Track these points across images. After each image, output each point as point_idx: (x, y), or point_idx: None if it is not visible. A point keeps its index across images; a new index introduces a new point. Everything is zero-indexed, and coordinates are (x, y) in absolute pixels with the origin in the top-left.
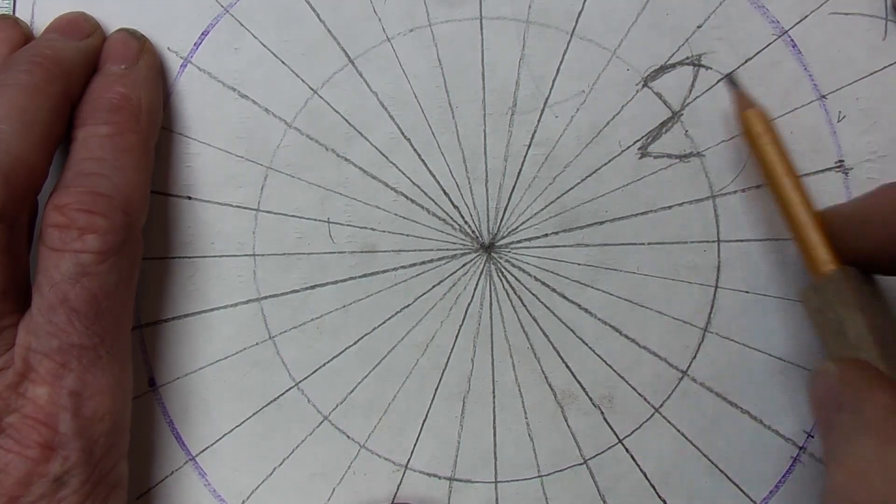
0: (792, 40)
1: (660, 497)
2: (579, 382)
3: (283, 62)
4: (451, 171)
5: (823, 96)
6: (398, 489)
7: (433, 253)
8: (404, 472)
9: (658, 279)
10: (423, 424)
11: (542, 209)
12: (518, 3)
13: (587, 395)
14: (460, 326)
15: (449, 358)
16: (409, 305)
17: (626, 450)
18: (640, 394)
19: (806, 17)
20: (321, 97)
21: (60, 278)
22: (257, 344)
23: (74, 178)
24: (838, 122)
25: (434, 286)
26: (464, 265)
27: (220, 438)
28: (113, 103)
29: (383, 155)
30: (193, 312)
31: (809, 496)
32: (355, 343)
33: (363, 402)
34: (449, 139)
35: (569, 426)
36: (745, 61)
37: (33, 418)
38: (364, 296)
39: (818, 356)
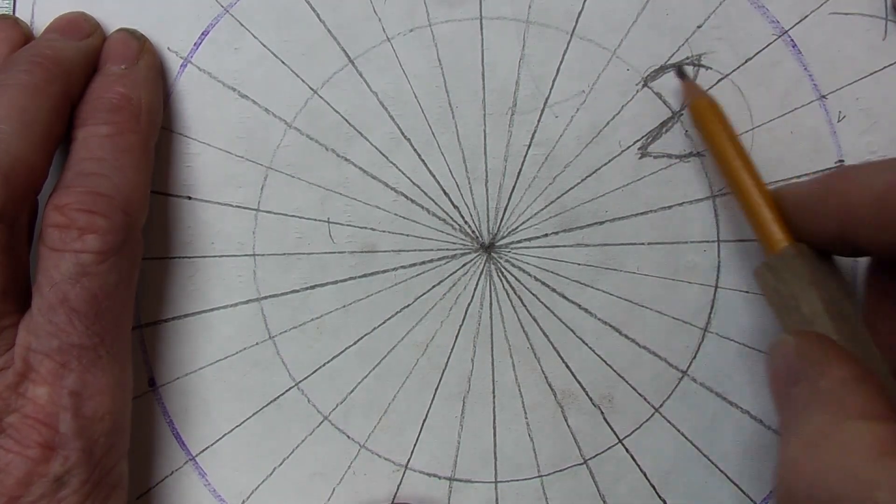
0: (792, 40)
1: (660, 497)
2: (579, 382)
3: (283, 62)
4: (451, 171)
5: (823, 96)
6: (398, 489)
7: (433, 253)
8: (404, 472)
9: (658, 279)
10: (423, 424)
11: (542, 209)
12: (518, 3)
13: (587, 395)
14: (460, 326)
15: (449, 358)
16: (409, 305)
17: (626, 450)
18: (640, 394)
19: (806, 17)
20: (321, 97)
21: (60, 278)
22: (257, 344)
23: (74, 178)
24: (838, 122)
25: (434, 286)
26: (464, 265)
27: (220, 438)
28: (113, 103)
29: (383, 155)
30: (193, 312)
31: None
32: (355, 343)
33: (363, 402)
34: (449, 139)
35: (569, 426)
36: (745, 61)
37: (33, 418)
38: (364, 296)
39: None
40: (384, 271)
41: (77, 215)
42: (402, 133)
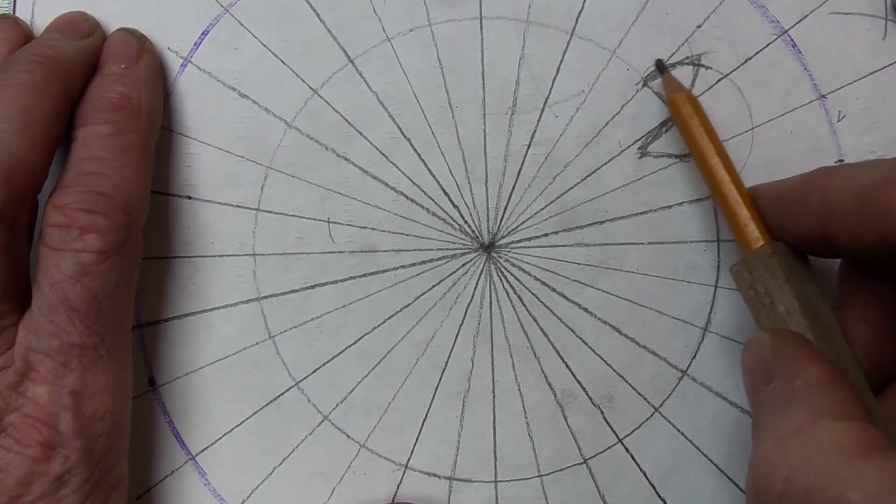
0: (792, 40)
1: (659, 497)
2: (579, 382)
3: (283, 62)
4: (451, 171)
5: (823, 96)
6: (398, 489)
7: (433, 253)
8: (404, 472)
9: (658, 279)
10: (422, 424)
11: (542, 209)
12: (518, 3)
13: (587, 394)
14: (460, 326)
15: (449, 357)
16: (409, 305)
17: (626, 449)
18: (639, 393)
19: (806, 16)
20: (321, 97)
21: (61, 278)
22: (257, 343)
23: (75, 178)
24: (838, 121)
25: (434, 286)
26: (464, 265)
27: (220, 438)
28: (113, 103)
29: (383, 155)
30: (193, 312)
31: None
32: (355, 343)
33: (363, 402)
34: (449, 139)
35: (569, 426)
36: (745, 61)
37: (34, 417)
38: (364, 295)
39: None
40: (384, 271)
41: (77, 215)
42: (402, 133)
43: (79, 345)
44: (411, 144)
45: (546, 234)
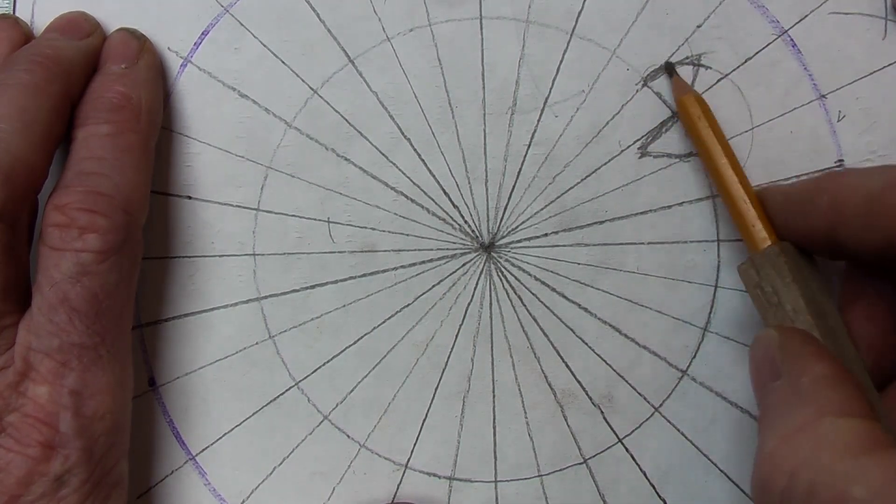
0: (792, 40)
1: (659, 496)
2: (579, 382)
3: (283, 62)
4: (451, 171)
5: (823, 96)
6: (398, 489)
7: (433, 252)
8: (404, 472)
9: (658, 279)
10: (422, 424)
11: (542, 209)
12: (518, 3)
13: (587, 394)
14: (460, 326)
15: (449, 357)
16: (409, 305)
17: (626, 449)
18: (639, 393)
19: (806, 16)
20: (321, 97)
21: (61, 277)
22: (257, 343)
23: (75, 178)
24: (838, 121)
25: (434, 286)
26: (464, 265)
27: (220, 438)
28: (113, 103)
29: (383, 155)
30: (193, 312)
31: None
32: (355, 343)
33: (363, 402)
34: (449, 139)
35: (569, 426)
36: (745, 61)
37: (34, 417)
38: (364, 295)
39: None
40: (384, 271)
41: (77, 214)
42: (402, 133)
43: (79, 345)
44: (411, 144)
45: (546, 234)
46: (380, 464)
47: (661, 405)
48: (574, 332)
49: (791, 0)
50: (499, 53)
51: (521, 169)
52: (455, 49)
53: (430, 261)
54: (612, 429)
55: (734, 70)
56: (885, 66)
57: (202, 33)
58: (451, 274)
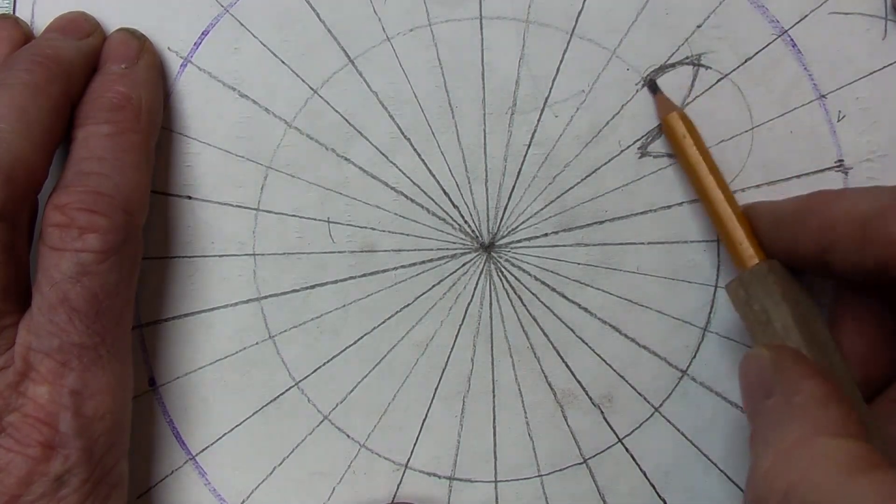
0: (792, 40)
1: (659, 496)
2: (579, 382)
3: (283, 62)
4: (451, 171)
5: (823, 96)
6: (398, 489)
7: (433, 252)
8: (404, 472)
9: (658, 279)
10: (422, 424)
11: (542, 209)
12: (518, 3)
13: (587, 394)
14: (460, 326)
15: (449, 357)
16: (408, 305)
17: (626, 449)
18: (639, 393)
19: (806, 16)
20: (321, 97)
21: (61, 277)
22: (257, 343)
23: (75, 178)
24: (838, 121)
25: (434, 286)
26: (464, 265)
27: (220, 438)
28: (113, 103)
29: (383, 155)
30: (193, 312)
31: None
32: (355, 342)
33: (363, 402)
34: (449, 139)
35: (569, 426)
36: (745, 61)
37: (34, 417)
38: (364, 295)
39: None
40: (384, 271)
41: (77, 214)
42: (402, 133)
43: (79, 344)
44: (411, 144)
45: (546, 234)
46: (380, 464)
47: (661, 405)
48: (574, 332)
49: (791, 0)
50: (499, 53)
51: (521, 169)
52: (455, 49)
53: (430, 261)
54: (612, 429)
55: (734, 70)
56: (885, 66)
57: (202, 33)
58: (451, 274)
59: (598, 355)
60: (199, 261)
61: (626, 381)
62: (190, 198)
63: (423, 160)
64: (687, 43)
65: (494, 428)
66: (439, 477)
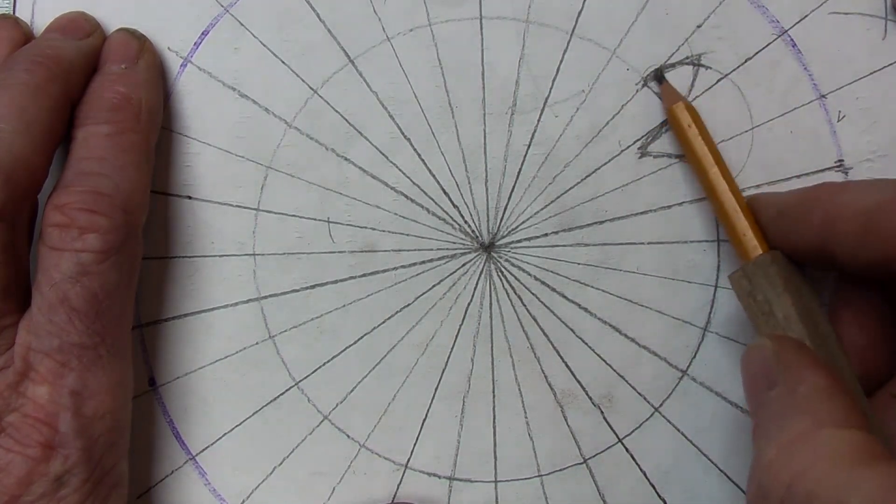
0: (792, 40)
1: (659, 496)
2: (579, 382)
3: (282, 62)
4: (451, 171)
5: (823, 96)
6: (398, 489)
7: (433, 252)
8: (404, 472)
9: (658, 279)
10: (422, 424)
11: (542, 209)
12: (518, 3)
13: (587, 394)
14: (460, 326)
15: (449, 357)
16: (408, 305)
17: (626, 449)
18: (639, 393)
19: (806, 16)
20: (321, 97)
21: (61, 277)
22: (257, 343)
23: (75, 178)
24: (838, 121)
25: (434, 286)
26: (464, 265)
27: (220, 438)
28: (113, 103)
29: (383, 155)
30: (193, 312)
31: None
32: (355, 343)
33: (363, 402)
34: (449, 139)
35: (568, 426)
36: (745, 61)
37: (34, 417)
38: (364, 295)
39: None
40: (384, 271)
41: (77, 214)
42: (402, 133)
43: (79, 344)
44: (411, 144)
45: (546, 234)
46: (380, 464)
47: (661, 405)
48: (574, 332)
49: (791, 0)
50: (499, 53)
51: (521, 169)
52: (455, 49)
53: (430, 261)
54: (612, 429)
55: (734, 70)
56: (885, 66)
57: (202, 33)
58: (451, 274)
59: (598, 355)
60: (199, 261)
61: (626, 381)
62: (190, 198)
63: (423, 160)
64: (687, 43)
65: (494, 428)
66: (439, 477)
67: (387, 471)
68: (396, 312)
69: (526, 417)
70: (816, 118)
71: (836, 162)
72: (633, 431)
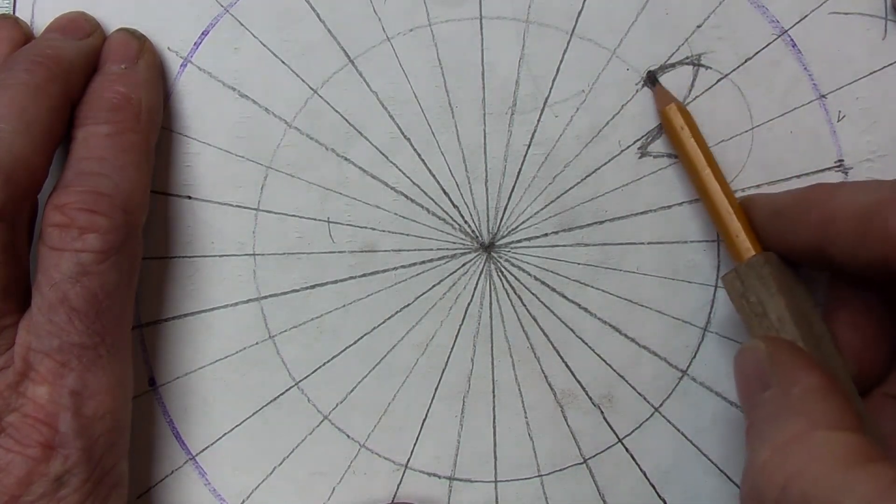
0: (792, 40)
1: (659, 497)
2: (579, 382)
3: (282, 62)
4: (451, 171)
5: (823, 96)
6: (398, 489)
7: (433, 252)
8: (404, 472)
9: (658, 279)
10: (422, 424)
11: (542, 209)
12: (518, 3)
13: (587, 394)
14: (460, 326)
15: (449, 357)
16: (408, 305)
17: (626, 449)
18: (639, 393)
19: (806, 16)
20: (321, 97)
21: (61, 277)
22: (257, 343)
23: (75, 178)
24: (838, 121)
25: (434, 286)
26: (464, 265)
27: (220, 438)
28: (113, 103)
29: (383, 155)
30: (193, 312)
31: None
32: (355, 343)
33: (363, 402)
34: (449, 139)
35: (568, 426)
36: (745, 61)
37: (34, 417)
38: (364, 295)
39: None
40: (384, 271)
41: (77, 214)
42: (402, 133)
43: (79, 344)
44: (411, 144)
45: (546, 234)
46: (380, 464)
47: (661, 405)
48: (574, 332)
49: (791, 0)
50: (499, 53)
51: (521, 169)
52: (455, 49)
53: (430, 261)
54: (612, 429)
55: (734, 70)
56: (885, 66)
57: (202, 33)
58: (451, 274)
59: (597, 355)
60: (199, 261)
61: (626, 381)
62: (190, 198)
63: (423, 160)
64: (687, 43)
65: (494, 428)
66: (439, 477)
67: (387, 471)
68: (396, 312)
69: (526, 417)
70: (816, 118)
71: (836, 162)
72: (633, 431)
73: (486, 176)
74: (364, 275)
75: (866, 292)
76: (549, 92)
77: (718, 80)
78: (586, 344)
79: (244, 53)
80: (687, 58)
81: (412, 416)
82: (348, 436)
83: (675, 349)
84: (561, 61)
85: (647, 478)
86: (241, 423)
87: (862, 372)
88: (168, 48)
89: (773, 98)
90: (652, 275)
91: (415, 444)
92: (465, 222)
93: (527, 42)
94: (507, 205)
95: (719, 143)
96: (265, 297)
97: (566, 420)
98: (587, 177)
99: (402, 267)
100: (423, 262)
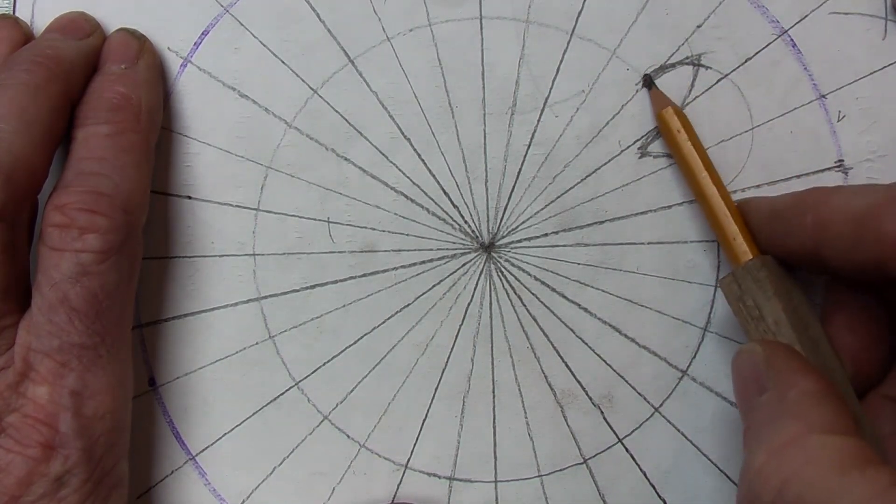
0: (792, 40)
1: (659, 497)
2: (579, 382)
3: (282, 62)
4: (451, 171)
5: (823, 96)
6: (398, 489)
7: (433, 252)
8: (404, 472)
9: (658, 279)
10: (422, 424)
11: (542, 209)
12: (518, 3)
13: (587, 394)
14: (460, 326)
15: (449, 357)
16: (408, 305)
17: (626, 449)
18: (639, 393)
19: (806, 16)
20: (321, 97)
21: (61, 278)
22: (257, 343)
23: (75, 178)
24: (838, 121)
25: (434, 286)
26: (464, 265)
27: (220, 438)
28: (113, 103)
29: (383, 155)
30: (193, 312)
31: None
32: (355, 343)
33: (363, 402)
34: (449, 139)
35: (568, 426)
36: (745, 61)
37: (34, 418)
38: (364, 295)
39: None
40: (384, 271)
41: (77, 215)
42: (402, 133)
43: (79, 345)
44: (411, 144)
45: (546, 234)
46: (380, 464)
47: (661, 405)
48: (574, 332)
49: (791, 0)
50: (499, 53)
51: (521, 169)
52: (455, 49)
53: (430, 261)
54: (612, 429)
55: (734, 70)
56: (885, 66)
57: (202, 33)
58: (451, 274)
59: (597, 355)
60: (199, 261)
61: (626, 381)
62: (190, 198)
63: (423, 160)
64: (687, 43)
65: (494, 428)
66: (439, 477)
67: (387, 471)
68: (396, 312)
69: (526, 417)
70: (816, 118)
71: (836, 162)
72: (633, 431)
73: (486, 176)
74: (364, 275)
75: (863, 295)
76: (549, 92)
77: (718, 81)
78: (586, 344)
79: (244, 53)
80: (687, 58)
81: (412, 416)
82: (348, 436)
83: (675, 349)
84: (561, 61)
85: (647, 478)
86: (241, 423)
87: (859, 374)
88: (168, 48)
89: (773, 98)
90: (652, 275)
91: (415, 445)
92: (465, 222)
93: (527, 42)
94: (507, 205)
95: (719, 143)
96: (265, 297)
97: (566, 420)
98: (587, 177)
99: (402, 267)
100: (423, 262)
